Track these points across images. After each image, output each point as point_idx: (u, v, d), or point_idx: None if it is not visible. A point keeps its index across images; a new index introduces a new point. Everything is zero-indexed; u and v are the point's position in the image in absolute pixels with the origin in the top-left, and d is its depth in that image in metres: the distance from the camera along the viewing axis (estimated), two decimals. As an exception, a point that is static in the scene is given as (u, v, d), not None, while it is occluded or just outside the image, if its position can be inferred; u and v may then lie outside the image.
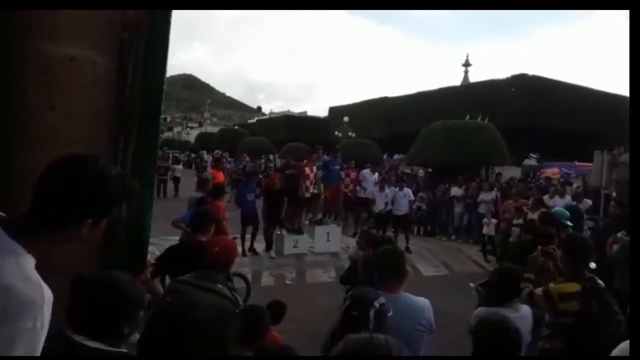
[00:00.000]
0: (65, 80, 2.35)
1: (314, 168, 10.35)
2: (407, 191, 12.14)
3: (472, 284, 3.88)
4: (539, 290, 3.30)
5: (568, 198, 11.11)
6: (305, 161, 10.62)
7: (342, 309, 2.39)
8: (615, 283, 4.31)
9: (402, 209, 11.67)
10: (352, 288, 4.23)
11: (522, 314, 3.12)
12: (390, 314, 2.42)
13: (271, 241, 10.16)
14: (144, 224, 3.04)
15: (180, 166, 24.81)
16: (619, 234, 5.48)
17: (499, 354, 2.21)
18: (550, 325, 3.26)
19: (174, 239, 7.93)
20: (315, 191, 10.36)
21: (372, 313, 2.35)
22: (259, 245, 10.06)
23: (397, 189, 11.94)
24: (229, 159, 25.42)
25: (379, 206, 11.78)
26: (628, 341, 2.14)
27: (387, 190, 11.93)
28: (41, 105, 2.30)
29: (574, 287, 3.18)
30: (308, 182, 10.26)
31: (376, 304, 2.40)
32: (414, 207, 13.04)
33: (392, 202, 11.69)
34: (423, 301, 2.84)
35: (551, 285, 3.29)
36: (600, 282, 3.28)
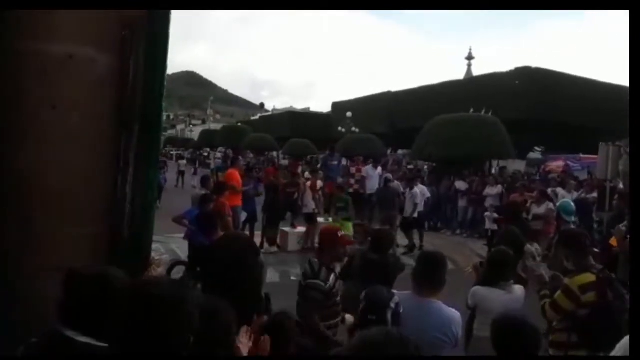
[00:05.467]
0: (64, 78, 2.33)
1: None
2: (423, 189, 11.66)
3: (470, 269, 4.02)
4: (560, 296, 3.20)
5: (575, 193, 11.04)
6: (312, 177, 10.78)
7: (358, 312, 2.36)
8: (620, 274, 4.31)
9: (409, 209, 11.07)
10: (352, 285, 4.24)
11: (514, 296, 3.33)
12: (401, 310, 2.40)
13: (271, 237, 10.17)
14: (148, 221, 3.03)
15: (185, 161, 27.61)
16: (621, 226, 5.47)
17: (517, 354, 2.21)
18: (565, 318, 3.23)
19: (178, 237, 8.00)
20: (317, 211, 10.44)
21: (389, 316, 2.33)
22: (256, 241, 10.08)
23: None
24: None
25: (408, 210, 10.87)
26: (628, 337, 2.15)
27: (416, 189, 11.07)
28: (41, 104, 2.29)
29: (589, 277, 3.16)
30: (317, 196, 10.38)
31: (392, 305, 2.38)
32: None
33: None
34: (453, 313, 2.77)
35: (567, 279, 3.25)
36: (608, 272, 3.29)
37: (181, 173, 24.21)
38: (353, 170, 13.05)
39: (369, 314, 2.31)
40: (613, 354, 2.25)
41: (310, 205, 10.19)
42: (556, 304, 3.23)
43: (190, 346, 1.69)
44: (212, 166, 26.80)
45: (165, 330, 1.34)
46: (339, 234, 3.50)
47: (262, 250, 9.83)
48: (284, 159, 30.18)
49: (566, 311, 3.18)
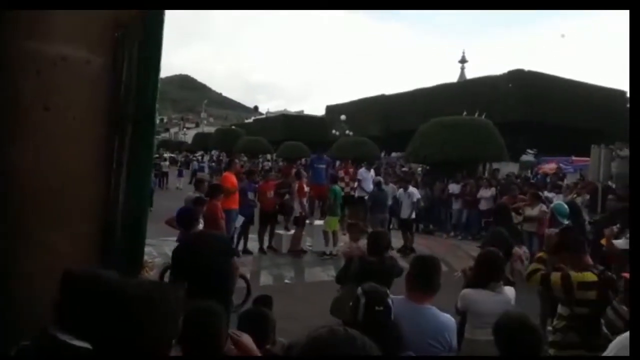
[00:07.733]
0: (58, 79, 2.32)
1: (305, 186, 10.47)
2: (413, 190, 11.64)
3: (459, 273, 4.02)
4: (555, 275, 3.25)
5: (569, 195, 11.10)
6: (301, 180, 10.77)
7: (361, 307, 2.29)
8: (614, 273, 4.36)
9: (407, 210, 11.22)
10: (350, 288, 4.22)
11: (504, 297, 3.26)
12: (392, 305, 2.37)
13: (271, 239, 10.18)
14: (141, 224, 3.02)
15: (167, 162, 27.13)
16: (614, 228, 5.51)
17: (520, 354, 2.22)
18: (564, 317, 3.24)
19: (171, 240, 7.96)
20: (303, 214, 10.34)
21: (391, 304, 2.29)
22: (254, 245, 10.08)
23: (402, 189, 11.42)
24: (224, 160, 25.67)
25: (405, 212, 10.86)
26: (624, 335, 2.18)
27: (411, 188, 11.14)
28: (34, 105, 2.28)
29: (591, 276, 3.19)
30: (305, 200, 10.36)
31: (390, 296, 2.37)
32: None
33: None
34: (448, 319, 2.73)
35: (572, 272, 3.26)
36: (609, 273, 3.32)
37: (164, 174, 23.68)
38: (342, 173, 13.04)
39: (375, 305, 2.26)
40: (606, 353, 2.27)
41: (296, 208, 10.17)
42: (547, 279, 3.26)
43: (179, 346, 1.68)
44: (207, 170, 26.67)
45: (141, 331, 1.32)
46: None
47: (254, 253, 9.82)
48: (268, 161, 30.23)
49: (552, 290, 3.25)
